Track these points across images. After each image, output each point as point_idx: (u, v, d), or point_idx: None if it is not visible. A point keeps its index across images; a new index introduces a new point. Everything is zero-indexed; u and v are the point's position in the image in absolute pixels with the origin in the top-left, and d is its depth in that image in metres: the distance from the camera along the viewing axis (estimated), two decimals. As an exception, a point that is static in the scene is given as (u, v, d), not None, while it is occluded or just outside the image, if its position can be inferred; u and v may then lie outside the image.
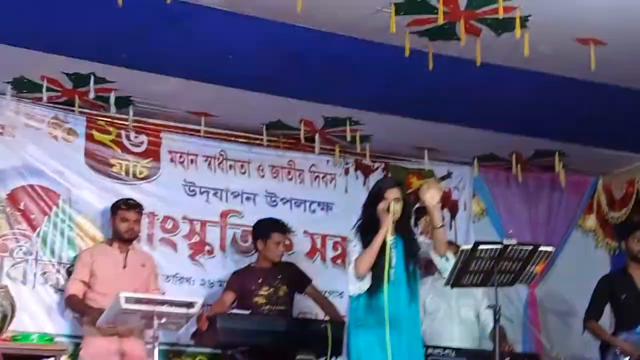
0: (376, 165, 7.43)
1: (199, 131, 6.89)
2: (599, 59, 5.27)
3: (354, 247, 5.19)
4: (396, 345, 4.89)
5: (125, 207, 6.21)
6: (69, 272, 6.32)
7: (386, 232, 5.00)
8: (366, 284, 5.03)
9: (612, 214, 7.49)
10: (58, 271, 6.40)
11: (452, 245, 6.64)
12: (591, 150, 7.09)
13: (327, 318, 6.30)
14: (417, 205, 7.32)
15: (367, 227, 5.17)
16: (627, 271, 6.58)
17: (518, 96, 6.04)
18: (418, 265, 5.27)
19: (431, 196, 5.07)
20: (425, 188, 5.15)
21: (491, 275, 4.95)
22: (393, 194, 5.14)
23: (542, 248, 4.96)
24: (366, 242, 5.08)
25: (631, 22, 4.97)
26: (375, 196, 5.23)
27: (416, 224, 7.31)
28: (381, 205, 5.08)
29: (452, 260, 5.05)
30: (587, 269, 7.54)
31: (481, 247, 4.77)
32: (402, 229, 5.16)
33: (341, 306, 6.66)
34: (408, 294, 5.08)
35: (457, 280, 4.98)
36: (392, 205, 5.04)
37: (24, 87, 6.28)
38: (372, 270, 5.01)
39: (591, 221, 7.72)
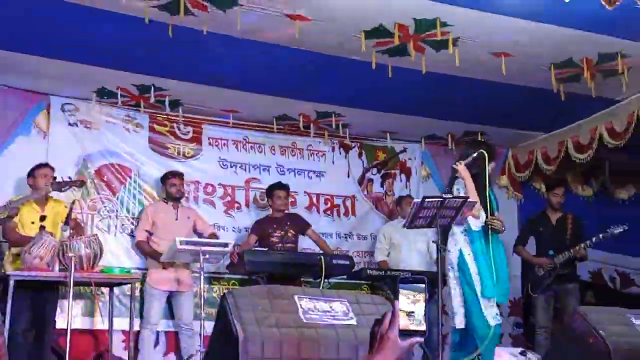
0: (353, 144, 7.40)
1: (228, 123, 6.88)
2: (507, 67, 5.28)
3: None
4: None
5: (171, 176, 6.26)
6: (138, 223, 6.36)
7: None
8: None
9: (518, 174, 7.51)
10: (132, 223, 6.41)
11: (408, 198, 6.74)
12: (503, 130, 7.08)
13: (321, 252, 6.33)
14: (383, 171, 7.43)
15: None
16: (545, 213, 6.66)
17: (452, 94, 6.02)
18: None
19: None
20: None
21: (435, 219, 5.01)
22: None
23: (470, 199, 5.03)
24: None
25: (530, 40, 4.99)
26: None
27: (382, 185, 7.41)
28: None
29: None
30: (503, 213, 7.58)
31: (427, 200, 4.80)
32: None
33: (330, 243, 6.78)
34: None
35: (411, 223, 5.03)
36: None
37: (104, 95, 6.29)
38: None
39: (504, 180, 7.69)
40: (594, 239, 6.07)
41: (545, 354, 3.93)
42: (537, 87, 5.79)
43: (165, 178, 6.27)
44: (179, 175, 6.29)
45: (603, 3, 3.90)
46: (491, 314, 4.88)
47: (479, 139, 7.27)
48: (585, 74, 5.49)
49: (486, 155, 5.09)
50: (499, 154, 7.66)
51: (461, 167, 5.01)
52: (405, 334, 1.93)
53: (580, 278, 6.97)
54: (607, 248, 7.18)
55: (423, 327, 1.94)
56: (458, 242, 5.10)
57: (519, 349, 3.96)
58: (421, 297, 1.98)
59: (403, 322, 1.94)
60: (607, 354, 3.68)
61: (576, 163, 6.68)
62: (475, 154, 5.03)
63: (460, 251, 5.05)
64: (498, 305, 4.90)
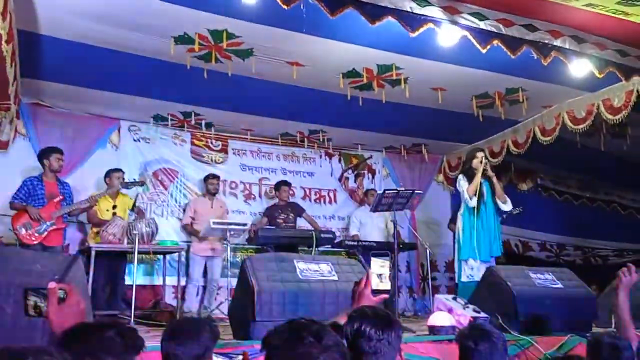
0: (335, 153, 7.36)
1: (247, 138, 6.83)
2: (443, 98, 5.31)
3: (463, 183, 4.98)
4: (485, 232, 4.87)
5: (211, 177, 6.23)
6: (185, 211, 6.37)
7: (480, 175, 4.89)
8: (474, 202, 4.90)
9: (451, 173, 7.52)
10: (179, 210, 6.37)
11: (373, 191, 6.74)
12: (440, 142, 7.09)
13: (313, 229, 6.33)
14: (356, 172, 7.44)
15: (468, 172, 5.02)
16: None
17: (403, 117, 6.03)
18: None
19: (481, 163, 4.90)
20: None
21: (392, 205, 5.03)
22: (481, 154, 5.03)
23: (416, 191, 5.04)
24: (469, 181, 4.94)
25: (458, 79, 4.98)
26: (470, 157, 5.08)
27: (355, 182, 7.42)
28: (474, 161, 4.95)
29: (509, 204, 4.91)
30: (438, 201, 7.63)
31: (387, 191, 4.82)
32: (485, 174, 5.00)
33: (319, 223, 6.76)
34: (493, 207, 4.95)
35: (375, 208, 5.04)
36: (482, 159, 4.92)
37: (158, 119, 6.26)
38: (476, 194, 4.90)
39: (441, 177, 7.74)
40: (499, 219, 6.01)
41: (470, 298, 3.95)
42: (463, 112, 5.81)
43: (206, 178, 6.23)
44: (217, 177, 6.26)
45: (509, 53, 3.93)
46: (466, 273, 4.86)
47: (423, 149, 7.32)
48: (497, 103, 5.54)
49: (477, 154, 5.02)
50: (437, 159, 7.73)
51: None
52: (376, 291, 1.96)
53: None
54: (512, 224, 7.24)
55: (388, 287, 1.96)
56: (459, 219, 5.04)
57: (452, 295, 3.97)
58: (387, 264, 2.00)
59: (374, 283, 1.96)
60: (513, 297, 3.71)
61: (491, 165, 6.70)
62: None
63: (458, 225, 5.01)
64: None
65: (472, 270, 4.78)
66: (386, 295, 2.02)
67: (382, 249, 5.64)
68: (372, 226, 6.55)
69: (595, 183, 8.29)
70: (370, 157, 7.53)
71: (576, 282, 4.05)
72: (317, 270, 3.35)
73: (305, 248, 5.95)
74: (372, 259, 1.98)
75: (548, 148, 5.79)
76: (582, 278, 4.15)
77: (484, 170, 4.91)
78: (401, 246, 6.05)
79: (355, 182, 7.48)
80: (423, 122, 6.19)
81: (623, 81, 4.36)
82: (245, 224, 5.64)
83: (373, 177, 7.58)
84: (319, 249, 5.81)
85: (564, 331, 3.43)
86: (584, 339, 3.20)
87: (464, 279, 4.80)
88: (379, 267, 2.02)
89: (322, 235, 5.72)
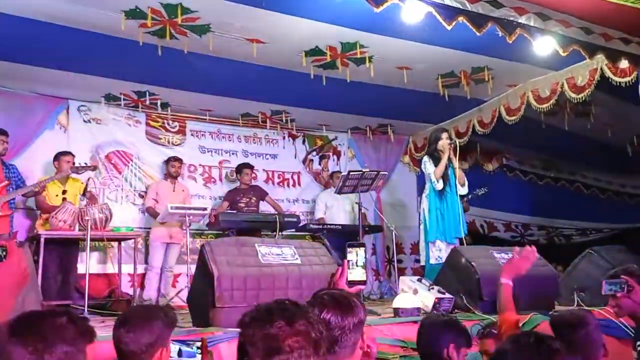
0: (299, 134, 7.33)
1: (206, 119, 6.74)
2: (408, 77, 5.31)
3: (429, 165, 5.00)
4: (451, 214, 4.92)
5: (173, 160, 6.16)
6: (141, 196, 6.24)
7: (448, 157, 4.92)
8: (441, 184, 4.93)
9: (417, 154, 7.57)
10: (134, 195, 6.27)
11: (338, 173, 6.75)
12: (405, 123, 7.13)
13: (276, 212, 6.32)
14: (320, 154, 7.46)
15: (434, 154, 5.04)
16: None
17: (369, 97, 6.00)
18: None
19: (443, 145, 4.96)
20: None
21: (357, 187, 5.06)
22: (445, 135, 5.05)
23: (381, 173, 5.07)
24: (435, 162, 4.97)
25: (423, 57, 5.00)
26: (435, 138, 5.09)
27: (319, 164, 7.45)
28: (440, 143, 4.97)
29: (465, 188, 5.00)
30: (404, 182, 7.72)
31: (351, 172, 4.85)
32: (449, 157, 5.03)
33: (282, 206, 6.76)
34: (455, 189, 4.99)
35: (341, 189, 5.06)
36: (446, 141, 4.95)
37: (110, 99, 6.10)
38: (442, 178, 4.92)
39: (407, 159, 7.79)
40: (465, 199, 6.03)
41: (435, 279, 4.03)
42: (429, 91, 5.84)
43: (168, 161, 6.16)
44: (179, 159, 6.18)
45: (474, 30, 3.96)
46: (433, 255, 4.91)
47: (389, 129, 7.36)
48: (463, 82, 5.59)
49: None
50: (403, 140, 7.79)
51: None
52: (351, 282, 1.99)
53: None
54: (478, 204, 7.40)
55: (364, 277, 1.99)
56: (424, 201, 5.09)
57: (417, 277, 4.04)
58: (362, 256, 2.02)
59: (350, 273, 1.99)
60: (477, 277, 3.80)
61: (457, 145, 6.78)
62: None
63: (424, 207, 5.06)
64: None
65: (439, 252, 4.87)
66: (363, 287, 2.05)
67: (348, 232, 5.69)
68: (338, 209, 6.59)
69: (559, 163, 8.51)
70: (335, 138, 7.54)
71: (540, 261, 4.18)
72: (279, 255, 3.36)
73: (269, 233, 5.95)
74: (348, 249, 2.02)
75: (513, 128, 5.90)
76: (546, 257, 4.28)
77: (452, 147, 4.97)
78: (367, 229, 6.11)
79: (320, 164, 7.48)
80: (389, 102, 6.20)
81: (587, 59, 4.47)
82: (205, 209, 5.59)
83: (338, 159, 7.60)
84: (283, 233, 5.81)
85: (528, 310, 3.54)
86: (547, 317, 3.31)
87: (432, 261, 4.89)
88: (355, 257, 2.06)
89: (286, 219, 5.72)
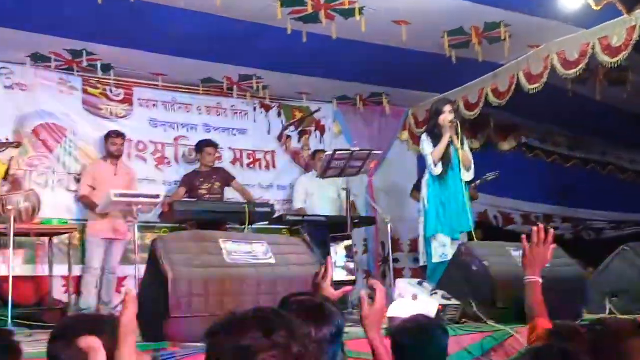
0: (273, 104, 7.31)
1: (158, 85, 6.69)
2: (407, 34, 5.34)
3: (427, 145, 5.03)
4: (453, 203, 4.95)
5: (114, 135, 6.08)
6: (77, 180, 6.16)
7: (449, 136, 4.93)
8: (440, 168, 4.95)
9: (417, 130, 7.55)
10: (68, 179, 6.19)
11: (322, 152, 6.74)
12: (404, 91, 7.13)
13: (245, 201, 6.30)
14: (300, 129, 7.45)
15: (434, 131, 5.05)
16: None
17: (359, 59, 5.99)
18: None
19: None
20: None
21: (345, 170, 5.06)
22: (449, 108, 5.05)
23: (373, 152, 5.07)
24: (435, 141, 4.98)
25: (427, 9, 5.03)
26: (436, 111, 5.10)
27: (299, 141, 7.44)
28: (441, 117, 4.98)
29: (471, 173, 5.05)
30: (403, 163, 7.75)
31: (338, 152, 4.85)
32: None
33: (253, 193, 6.76)
34: (459, 174, 5.02)
35: (325, 173, 5.05)
36: (449, 116, 4.95)
37: (38, 59, 6.01)
38: (442, 160, 4.95)
39: (405, 135, 7.81)
40: (472, 185, 6.01)
41: (439, 282, 4.06)
42: (433, 52, 5.83)
43: (107, 137, 6.08)
44: (121, 135, 6.12)
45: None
46: (436, 252, 4.93)
47: (384, 99, 7.36)
48: (474, 41, 5.61)
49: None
50: (401, 112, 7.80)
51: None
52: (338, 283, 2.00)
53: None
54: (491, 191, 7.46)
55: (353, 277, 2.00)
56: (423, 187, 5.13)
57: (417, 280, 4.06)
58: (349, 249, 2.03)
59: (335, 273, 2.00)
60: (490, 280, 3.83)
61: (466, 119, 6.81)
62: None
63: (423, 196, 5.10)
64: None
65: (444, 248, 4.91)
66: (350, 288, 2.07)
67: (333, 224, 5.70)
68: (321, 197, 6.61)
69: (590, 141, 8.62)
70: (318, 110, 7.52)
71: (565, 260, 4.23)
72: (249, 252, 3.36)
73: (236, 226, 5.94)
74: (332, 244, 2.03)
75: (534, 98, 5.93)
76: (572, 255, 4.33)
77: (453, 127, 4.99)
78: (356, 221, 6.12)
79: (299, 141, 7.48)
80: (384, 65, 6.19)
81: (624, 15, 4.50)
82: (157, 196, 5.56)
83: (322, 135, 7.59)
84: (253, 226, 5.81)
85: (550, 319, 3.58)
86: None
87: (435, 259, 4.92)
88: (340, 253, 2.07)
89: (257, 209, 5.71)
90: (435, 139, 5.06)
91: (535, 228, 2.46)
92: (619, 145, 8.77)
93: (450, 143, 5.02)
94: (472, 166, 5.11)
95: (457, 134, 5.01)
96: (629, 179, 9.15)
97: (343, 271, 1.99)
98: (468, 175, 5.09)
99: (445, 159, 5.00)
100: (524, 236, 2.54)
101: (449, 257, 4.63)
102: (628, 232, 8.99)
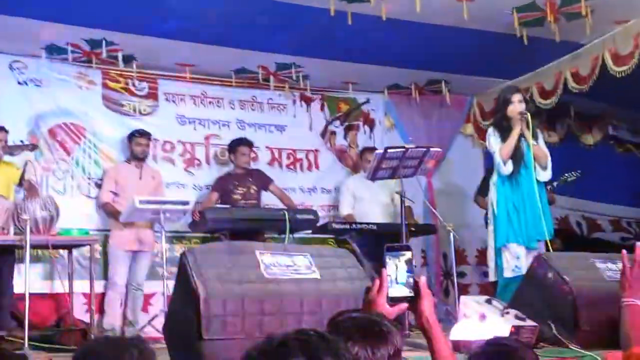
0: (315, 96, 7.34)
1: (185, 77, 6.77)
2: (469, 12, 5.27)
3: (494, 140, 5.01)
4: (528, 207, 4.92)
5: (138, 135, 6.20)
6: (97, 185, 6.30)
7: (520, 130, 4.90)
8: (510, 167, 4.94)
9: (484, 122, 7.45)
10: (88, 184, 6.33)
11: (372, 149, 6.73)
12: (466, 77, 7.07)
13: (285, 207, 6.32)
14: (346, 123, 7.46)
15: (502, 124, 5.04)
16: None
17: (413, 41, 5.98)
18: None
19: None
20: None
21: (399, 170, 5.04)
22: (518, 97, 5.04)
23: (432, 149, 5.04)
24: (504, 136, 4.97)
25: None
26: (503, 101, 5.08)
27: (345, 138, 7.45)
28: (510, 108, 4.96)
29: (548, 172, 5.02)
30: (467, 162, 7.68)
31: (390, 150, 4.84)
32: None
33: (294, 198, 6.80)
34: (533, 173, 4.97)
35: (375, 174, 5.04)
36: (518, 106, 4.93)
37: (54, 52, 6.16)
38: (513, 157, 4.92)
39: (469, 129, 7.75)
40: (549, 187, 5.80)
41: (511, 300, 4.01)
42: (500, 32, 5.79)
43: (131, 136, 6.22)
44: (145, 134, 6.24)
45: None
46: (509, 265, 4.87)
47: (443, 87, 7.31)
48: (549, 17, 5.54)
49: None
50: (464, 102, 7.73)
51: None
52: (393, 299, 2.00)
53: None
54: (573, 193, 7.33)
55: (410, 292, 2.00)
56: (491, 189, 5.10)
57: (485, 297, 4.02)
58: (408, 261, 2.03)
59: (391, 288, 2.00)
60: (572, 298, 3.77)
61: (541, 109, 6.71)
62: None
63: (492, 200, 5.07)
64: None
65: (517, 261, 4.85)
66: (406, 305, 2.07)
67: (386, 233, 5.69)
68: (372, 201, 6.61)
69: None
70: (367, 101, 7.51)
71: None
72: (290, 266, 3.37)
73: (275, 235, 5.98)
74: (387, 255, 2.04)
75: (624, 82, 5.82)
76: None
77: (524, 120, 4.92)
78: (413, 229, 6.09)
79: (345, 138, 7.48)
80: (442, 48, 6.17)
81: None
82: (186, 202, 5.64)
83: (372, 131, 7.59)
84: (295, 235, 5.84)
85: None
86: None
87: (507, 273, 4.86)
88: (397, 265, 2.08)
89: (299, 215, 5.75)
90: (504, 132, 5.00)
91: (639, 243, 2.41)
92: None
93: (522, 137, 4.96)
94: (549, 164, 5.02)
95: (528, 126, 4.94)
96: None
97: (402, 287, 1.98)
98: (544, 175, 5.01)
99: (516, 157, 4.94)
100: (624, 251, 2.48)
101: (524, 270, 4.56)
102: None
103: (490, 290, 5.66)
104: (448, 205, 7.36)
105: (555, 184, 6.13)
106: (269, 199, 6.61)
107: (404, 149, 4.86)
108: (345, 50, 6.30)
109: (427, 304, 2.01)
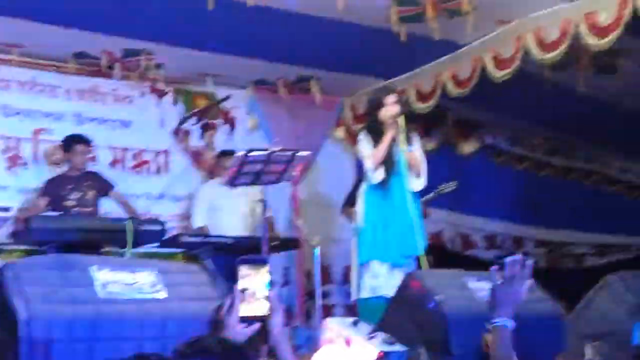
0: (168, 89, 7.27)
1: (11, 60, 6.55)
2: (346, 3, 5.35)
3: (365, 145, 5.11)
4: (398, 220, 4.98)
5: None
6: None
7: (393, 135, 5.00)
8: (380, 175, 4.97)
9: (356, 126, 7.54)
10: None
11: (232, 152, 6.71)
12: (339, 75, 7.19)
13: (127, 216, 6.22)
14: (203, 122, 7.42)
15: (374, 128, 5.10)
16: None
17: (283, 32, 6.03)
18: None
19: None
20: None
21: (261, 176, 5.05)
22: (392, 99, 5.08)
23: (299, 153, 5.09)
24: (376, 141, 5.03)
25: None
26: (376, 102, 5.17)
27: (201, 138, 7.40)
28: (383, 111, 5.03)
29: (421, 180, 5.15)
30: (337, 169, 7.81)
31: (252, 153, 4.84)
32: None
33: (139, 206, 6.70)
34: (405, 182, 5.07)
35: (233, 180, 5.02)
36: (399, 118, 5.02)
37: None
38: (384, 164, 4.99)
39: (341, 132, 7.89)
40: (423, 199, 6.05)
41: (379, 322, 4.10)
42: (377, 27, 5.90)
43: None
44: None
45: None
46: (366, 285, 4.97)
47: (312, 85, 7.40)
48: (429, 13, 5.64)
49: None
50: (335, 103, 7.86)
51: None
52: (245, 319, 1.99)
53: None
54: (447, 206, 7.60)
55: (265, 311, 2.00)
56: (359, 200, 5.17)
57: (352, 319, 4.09)
58: (264, 277, 2.03)
59: (243, 307, 1.99)
60: (444, 319, 3.90)
61: (417, 113, 6.89)
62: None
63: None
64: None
65: (376, 280, 4.98)
66: (259, 325, 2.07)
67: (244, 248, 5.69)
68: (230, 211, 6.61)
69: (571, 143, 8.90)
70: (228, 97, 7.49)
71: (538, 295, 4.35)
72: (131, 284, 3.31)
73: (115, 249, 5.84)
74: (241, 267, 2.03)
75: (504, 89, 6.09)
76: (547, 289, 4.44)
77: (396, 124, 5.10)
78: (275, 243, 6.12)
79: (202, 138, 7.44)
80: (314, 41, 6.26)
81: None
82: (7, 209, 5.42)
83: (232, 131, 7.62)
84: (138, 249, 5.74)
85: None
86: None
87: (365, 293, 4.99)
88: (251, 281, 2.08)
89: (144, 226, 5.65)
90: (376, 137, 5.13)
91: (510, 259, 2.53)
92: (607, 149, 9.04)
93: (395, 143, 5.11)
94: (424, 172, 5.21)
95: (402, 131, 5.11)
96: (618, 193, 9.44)
97: (256, 305, 1.98)
98: (417, 184, 5.19)
99: (388, 164, 5.09)
100: (495, 268, 2.59)
101: (384, 291, 4.71)
102: (615, 259, 9.29)
103: (356, 311, 5.78)
104: (315, 217, 7.43)
105: (430, 195, 6.32)
106: (108, 207, 6.49)
107: (268, 152, 4.88)
108: (205, 38, 6.28)
109: (277, 321, 2.03)
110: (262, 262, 2.06)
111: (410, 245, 5.03)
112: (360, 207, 5.18)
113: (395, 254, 5.02)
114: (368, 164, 5.10)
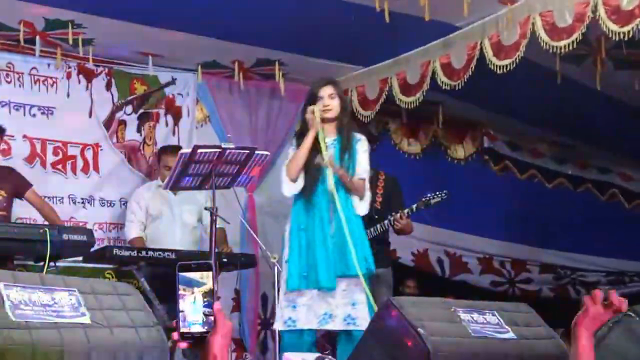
0: (99, 69, 7.25)
1: None
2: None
3: (290, 150, 5.21)
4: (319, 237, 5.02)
5: None
6: None
7: (314, 134, 5.00)
8: (299, 185, 5.02)
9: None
10: None
11: (175, 148, 6.71)
12: (309, 60, 7.21)
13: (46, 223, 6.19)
14: (141, 111, 7.40)
15: (303, 130, 5.15)
16: None
17: (240, 5, 6.05)
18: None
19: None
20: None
21: (210, 178, 5.05)
22: (326, 91, 5.13)
23: (258, 152, 5.10)
24: (299, 144, 5.08)
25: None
26: (310, 97, 5.19)
27: (139, 130, 7.38)
28: (309, 108, 5.06)
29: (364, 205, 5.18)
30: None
31: (200, 150, 4.83)
32: (341, 125, 5.16)
33: (61, 210, 6.67)
34: (344, 192, 5.09)
35: (177, 183, 5.02)
36: (316, 108, 5.04)
37: None
38: (307, 172, 5.02)
39: (307, 128, 7.96)
40: (406, 210, 6.20)
41: (351, 356, 4.12)
42: (356, 3, 5.90)
43: None
44: None
45: None
46: (283, 313, 5.02)
47: (277, 71, 7.41)
48: (418, -14, 5.69)
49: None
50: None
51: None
52: (187, 337, 2.00)
53: (399, 260, 7.31)
54: (433, 222, 7.62)
55: (201, 329, 2.01)
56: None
57: (315, 355, 4.12)
58: (207, 285, 2.04)
59: (185, 324, 2.00)
60: (426, 357, 3.92)
61: (401, 109, 6.92)
62: None
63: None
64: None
65: (293, 311, 5.06)
66: (185, 345, 2.09)
67: (189, 265, 5.68)
68: (171, 220, 6.66)
69: (584, 151, 8.98)
70: (173, 81, 7.51)
71: (540, 328, 4.37)
72: (49, 306, 3.28)
73: (30, 262, 5.81)
74: (181, 275, 2.05)
75: (505, 81, 6.14)
76: (553, 321, 4.49)
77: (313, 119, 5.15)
78: (225, 260, 6.13)
79: (139, 131, 7.42)
80: (281, 19, 6.27)
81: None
82: None
83: (176, 123, 7.62)
84: (59, 263, 5.71)
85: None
86: None
87: (278, 325, 5.15)
88: (193, 292, 2.10)
89: (66, 235, 5.61)
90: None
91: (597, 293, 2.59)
92: (626, 158, 9.14)
93: (334, 142, 5.18)
94: (367, 193, 5.24)
95: (344, 131, 5.22)
96: (637, 210, 9.51)
97: (197, 325, 2.00)
98: (362, 207, 5.24)
99: (311, 171, 5.13)
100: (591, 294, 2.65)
101: (298, 324, 4.81)
102: (633, 289, 9.35)
103: (321, 341, 5.80)
104: (274, 229, 7.46)
105: (414, 207, 6.32)
106: (23, 211, 6.47)
107: (219, 150, 4.88)
108: (145, 10, 6.25)
109: (219, 338, 2.04)
110: (207, 268, 2.07)
111: (345, 264, 5.05)
112: (288, 225, 5.25)
113: (324, 276, 5.03)
114: (283, 174, 5.18)
